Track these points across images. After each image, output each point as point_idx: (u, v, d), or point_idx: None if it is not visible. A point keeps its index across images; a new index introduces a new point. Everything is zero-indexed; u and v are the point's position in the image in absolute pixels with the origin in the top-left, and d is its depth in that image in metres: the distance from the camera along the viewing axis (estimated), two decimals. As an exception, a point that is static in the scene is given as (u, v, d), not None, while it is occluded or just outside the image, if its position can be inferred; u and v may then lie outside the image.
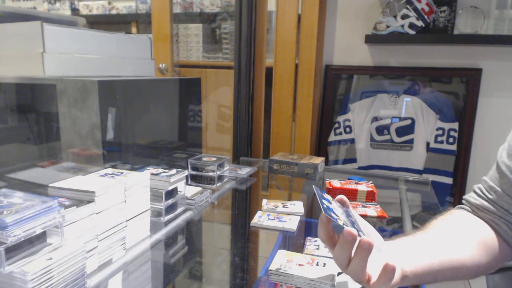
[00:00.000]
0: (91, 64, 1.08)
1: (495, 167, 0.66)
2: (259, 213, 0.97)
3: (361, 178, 1.25)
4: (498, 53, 1.56)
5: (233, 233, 0.99)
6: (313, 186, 0.57)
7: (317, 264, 0.68)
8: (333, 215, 0.52)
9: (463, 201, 0.71)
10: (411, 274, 0.54)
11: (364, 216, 0.88)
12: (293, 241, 0.87)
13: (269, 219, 0.94)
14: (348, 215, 0.56)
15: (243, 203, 1.16)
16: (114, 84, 0.98)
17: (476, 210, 0.66)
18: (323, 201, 0.54)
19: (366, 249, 0.48)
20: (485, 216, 0.64)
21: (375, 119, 1.74)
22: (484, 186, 0.67)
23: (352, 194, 1.08)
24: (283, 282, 0.65)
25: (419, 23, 1.52)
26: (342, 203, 0.56)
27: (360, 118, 1.77)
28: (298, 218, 0.95)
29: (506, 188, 0.62)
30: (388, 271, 0.48)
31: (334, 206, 0.55)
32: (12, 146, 1.00)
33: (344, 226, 0.50)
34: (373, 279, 0.51)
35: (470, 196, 0.69)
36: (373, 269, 0.51)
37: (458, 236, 0.62)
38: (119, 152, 0.99)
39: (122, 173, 0.78)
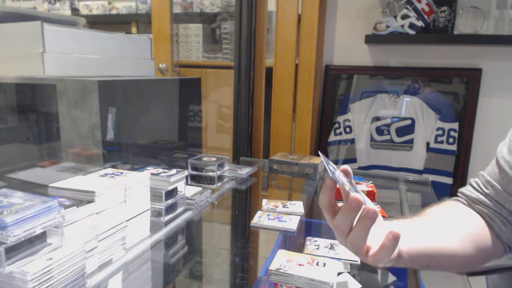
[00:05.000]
0: (91, 64, 1.08)
1: (494, 162, 0.65)
2: (259, 213, 0.97)
3: (361, 178, 1.25)
4: (498, 53, 1.56)
5: (233, 233, 0.99)
6: (319, 152, 0.55)
7: (317, 264, 0.68)
8: (340, 180, 0.50)
9: (459, 193, 0.70)
10: (406, 255, 0.53)
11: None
12: (293, 241, 0.87)
13: (269, 219, 0.94)
14: (352, 184, 0.54)
15: (243, 203, 1.16)
16: (114, 84, 0.98)
17: (472, 203, 0.66)
18: (329, 166, 0.51)
19: (371, 217, 0.46)
20: (480, 210, 0.64)
21: (375, 119, 1.74)
22: (481, 181, 0.66)
23: (352, 194, 1.08)
24: (283, 282, 0.65)
25: (419, 23, 1.52)
26: (346, 174, 0.53)
27: (360, 118, 1.77)
28: (298, 218, 0.95)
29: (504, 184, 0.61)
30: (392, 238, 0.45)
31: (339, 174, 0.53)
32: (12, 146, 1.00)
33: (350, 191, 0.48)
34: (373, 249, 0.49)
35: (466, 189, 0.69)
36: (372, 241, 0.49)
37: (453, 226, 0.61)
38: (119, 152, 0.99)
39: (122, 173, 0.78)
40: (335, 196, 0.53)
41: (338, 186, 0.51)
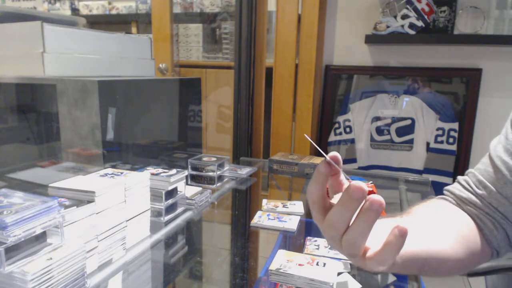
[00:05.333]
0: (91, 64, 1.08)
1: (487, 161, 0.59)
2: (259, 213, 0.97)
3: (361, 178, 1.25)
4: (498, 53, 1.56)
5: (233, 233, 0.99)
6: (305, 135, 0.47)
7: (317, 264, 0.68)
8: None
9: (446, 192, 0.64)
10: (399, 259, 0.46)
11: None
12: (293, 241, 0.87)
13: (269, 219, 0.94)
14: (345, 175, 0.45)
15: (243, 203, 1.16)
16: (114, 84, 0.98)
17: (461, 203, 0.60)
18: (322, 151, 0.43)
19: (376, 210, 0.37)
20: (470, 211, 0.58)
21: (375, 119, 1.74)
22: (472, 180, 0.60)
23: (352, 194, 1.08)
24: (283, 282, 0.65)
25: (419, 23, 1.52)
26: (336, 162, 0.42)
27: (360, 118, 1.76)
28: (298, 218, 0.95)
29: (499, 186, 0.56)
30: (399, 235, 0.37)
31: (330, 161, 0.44)
32: (12, 146, 1.00)
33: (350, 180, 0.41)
34: (373, 250, 0.40)
35: (454, 188, 0.62)
36: (369, 241, 0.41)
37: (444, 228, 0.56)
38: (119, 152, 0.99)
39: (122, 173, 0.78)
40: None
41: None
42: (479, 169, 0.61)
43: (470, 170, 0.62)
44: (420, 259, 0.49)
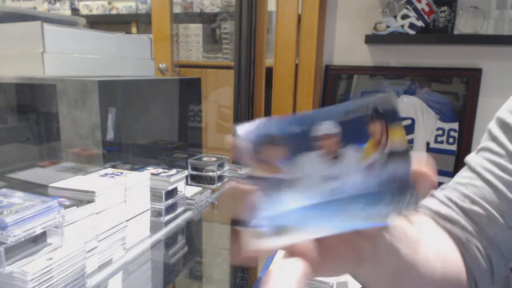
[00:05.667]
0: (91, 64, 1.08)
1: (470, 174, 0.51)
2: (259, 213, 0.97)
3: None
4: (498, 53, 1.56)
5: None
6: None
7: (317, 264, 0.68)
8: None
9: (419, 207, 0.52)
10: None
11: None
12: (293, 241, 0.87)
13: (269, 219, 0.94)
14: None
15: (243, 203, 1.16)
16: (114, 84, 0.98)
17: (439, 219, 0.50)
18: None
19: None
20: (451, 231, 0.49)
21: (375, 119, 1.74)
22: (455, 195, 0.51)
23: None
24: (283, 282, 0.65)
25: (419, 23, 1.52)
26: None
27: (360, 118, 1.77)
28: (298, 218, 0.95)
29: (491, 200, 0.47)
30: None
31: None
32: (12, 146, 1.00)
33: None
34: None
35: (430, 203, 0.52)
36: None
37: (426, 248, 0.44)
38: (119, 152, 0.99)
39: (122, 173, 0.78)
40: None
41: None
42: (461, 184, 0.52)
43: (447, 185, 0.54)
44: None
